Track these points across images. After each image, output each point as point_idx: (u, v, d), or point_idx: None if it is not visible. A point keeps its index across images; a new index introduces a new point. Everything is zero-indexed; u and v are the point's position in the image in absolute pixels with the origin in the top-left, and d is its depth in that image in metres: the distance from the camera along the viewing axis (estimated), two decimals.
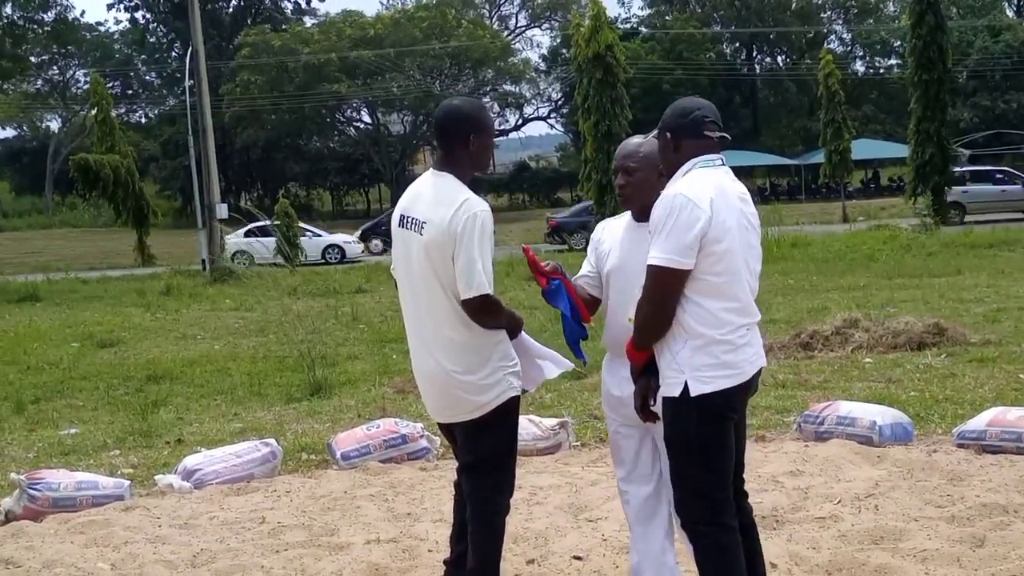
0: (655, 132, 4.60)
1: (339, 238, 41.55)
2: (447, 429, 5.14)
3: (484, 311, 4.72)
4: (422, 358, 4.95)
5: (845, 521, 6.16)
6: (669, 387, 4.31)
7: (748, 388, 4.38)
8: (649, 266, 4.23)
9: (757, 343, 4.41)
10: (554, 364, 5.16)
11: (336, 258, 39.38)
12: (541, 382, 5.25)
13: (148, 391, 12.41)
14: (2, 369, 14.77)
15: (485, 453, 4.89)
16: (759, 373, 4.46)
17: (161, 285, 27.35)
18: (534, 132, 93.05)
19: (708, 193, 4.21)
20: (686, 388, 4.24)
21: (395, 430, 8.34)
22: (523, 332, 5.07)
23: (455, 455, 5.17)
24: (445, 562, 5.26)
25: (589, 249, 5.09)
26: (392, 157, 72.50)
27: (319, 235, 41.66)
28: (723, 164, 4.42)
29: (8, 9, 40.92)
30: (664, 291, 4.23)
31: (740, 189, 4.42)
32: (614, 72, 32.34)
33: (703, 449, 4.30)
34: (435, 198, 4.79)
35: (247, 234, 37.05)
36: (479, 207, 4.70)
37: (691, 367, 4.24)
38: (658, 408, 4.45)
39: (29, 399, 12.24)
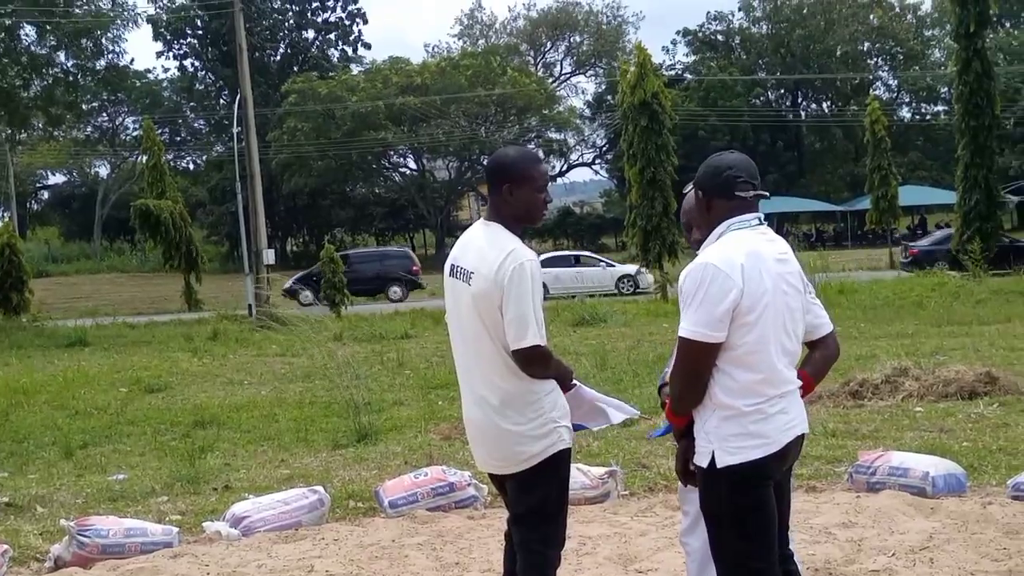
0: (690, 187, 4.56)
1: (631, 268, 40.79)
2: (497, 479, 5.10)
3: (534, 361, 4.68)
4: (471, 408, 4.92)
5: (900, 574, 6.07)
6: (700, 456, 4.25)
7: (784, 456, 4.25)
8: (679, 338, 4.17)
9: (795, 410, 4.29)
10: (618, 411, 5.13)
11: (629, 289, 39.07)
12: (605, 425, 5.21)
13: (195, 436, 12.44)
14: (51, 414, 14.85)
15: (535, 505, 4.83)
16: (800, 440, 4.34)
17: (208, 330, 27.50)
18: (578, 178, 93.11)
19: (739, 261, 4.12)
20: (714, 458, 4.18)
21: (443, 478, 8.31)
22: (578, 381, 5.02)
23: (505, 505, 5.13)
24: None
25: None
26: (437, 203, 72.80)
27: (612, 265, 41.30)
28: (760, 223, 4.32)
29: (62, 56, 41.43)
30: (695, 364, 4.16)
31: (779, 249, 4.31)
32: (659, 119, 32.33)
33: (737, 519, 4.20)
34: (482, 248, 4.78)
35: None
36: (526, 256, 4.67)
37: (718, 437, 4.17)
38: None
39: (77, 444, 12.30)
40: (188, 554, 7.33)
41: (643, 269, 38.02)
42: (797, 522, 6.69)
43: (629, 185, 33.96)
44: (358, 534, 7.69)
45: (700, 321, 4.09)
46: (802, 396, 4.35)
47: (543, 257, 39.13)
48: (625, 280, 39.70)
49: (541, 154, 72.94)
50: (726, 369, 4.15)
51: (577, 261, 42.34)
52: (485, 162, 5.52)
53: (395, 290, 41.73)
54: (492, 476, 5.15)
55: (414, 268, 43.18)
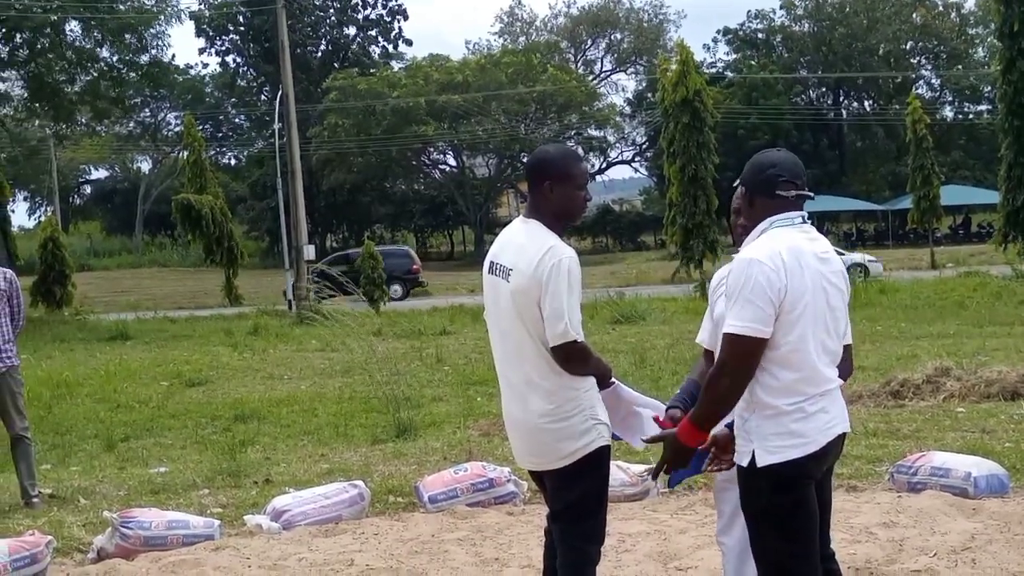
0: (738, 182, 4.54)
1: (861, 257, 40.47)
2: (537, 476, 5.10)
3: (573, 358, 4.68)
4: (511, 404, 4.93)
5: (941, 575, 6.04)
6: (740, 456, 4.24)
7: (824, 456, 4.22)
8: (726, 335, 4.13)
9: (836, 409, 4.27)
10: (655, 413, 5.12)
11: (861, 277, 38.87)
12: (641, 444, 5.11)
13: (236, 430, 12.53)
14: (93, 407, 14.99)
15: (575, 501, 4.83)
16: (840, 439, 4.32)
17: (248, 325, 27.67)
18: (618, 176, 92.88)
19: (782, 257, 4.12)
20: (753, 458, 4.17)
21: (482, 474, 8.33)
22: (616, 380, 5.02)
23: (545, 501, 5.14)
24: None
25: (710, 299, 5.03)
26: (476, 200, 72.84)
27: (842, 253, 40.94)
28: (804, 222, 4.32)
29: (105, 52, 41.70)
30: (744, 361, 4.12)
31: (820, 247, 4.30)
32: (701, 117, 32.26)
33: (778, 519, 4.18)
34: (521, 245, 4.79)
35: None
36: (565, 253, 4.67)
37: (759, 436, 4.15)
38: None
39: (119, 437, 12.42)
40: (229, 547, 7.39)
41: (873, 257, 38.00)
42: (838, 521, 6.67)
43: (669, 183, 33.90)
44: (398, 529, 7.72)
45: (748, 316, 4.07)
46: None
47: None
48: (856, 269, 39.17)
49: (581, 151, 72.99)
50: (768, 368, 4.14)
51: None
52: (526, 159, 5.52)
53: (395, 288, 41.25)
54: (532, 472, 5.14)
55: (414, 267, 43.04)
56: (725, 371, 4.13)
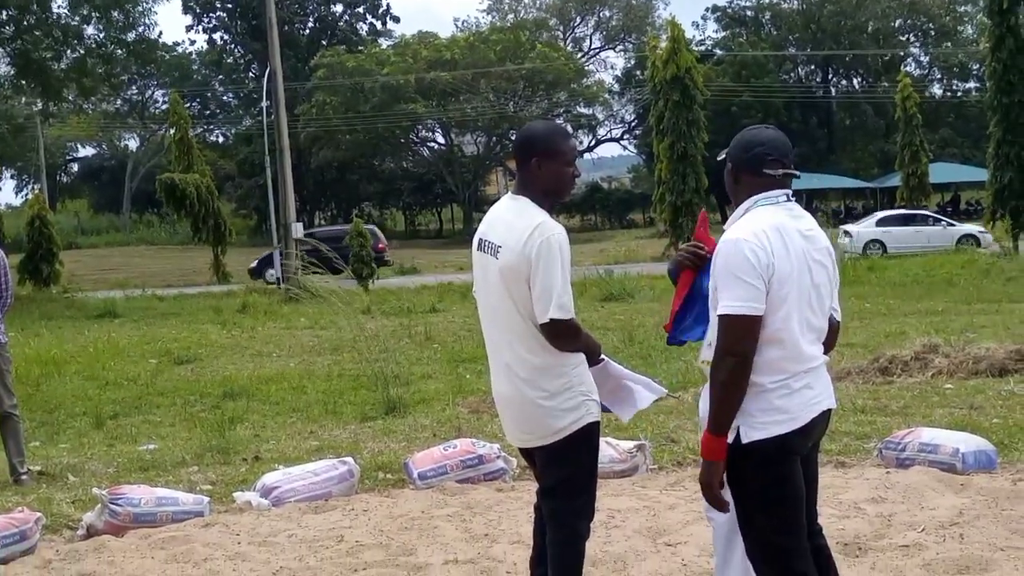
0: (722, 155, 4.51)
1: (972, 228, 40.42)
2: (527, 452, 5.10)
3: (562, 335, 4.66)
4: (501, 381, 4.92)
5: (930, 550, 6.06)
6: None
7: (809, 432, 4.23)
8: (722, 317, 4.10)
9: (821, 385, 4.28)
10: (646, 390, 5.12)
11: (973, 247, 37.89)
12: (634, 412, 5.18)
13: (225, 408, 12.52)
14: (81, 384, 14.97)
15: (564, 477, 4.84)
16: (826, 415, 4.32)
17: (237, 303, 27.64)
18: (607, 153, 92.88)
19: (767, 235, 4.11)
20: (739, 434, 4.15)
21: (472, 450, 8.34)
22: (606, 357, 5.02)
23: (535, 478, 5.15)
24: None
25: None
26: (465, 178, 72.79)
27: (952, 224, 40.67)
28: (788, 199, 4.30)
29: (91, 29, 41.48)
30: (743, 342, 4.08)
31: (805, 225, 4.28)
32: (691, 94, 32.33)
33: (763, 495, 4.19)
34: (510, 222, 4.78)
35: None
36: (554, 230, 4.66)
37: (744, 413, 4.13)
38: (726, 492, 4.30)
39: (108, 414, 12.40)
40: (219, 523, 7.39)
41: (984, 229, 38.11)
42: (826, 497, 6.69)
43: (658, 160, 33.96)
44: (387, 505, 7.73)
45: (741, 296, 4.06)
46: None
47: (879, 215, 40.47)
48: (967, 239, 38.91)
49: (570, 129, 72.83)
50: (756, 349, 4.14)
51: (912, 220, 41.14)
52: (514, 136, 5.49)
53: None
54: (521, 449, 5.14)
55: (380, 246, 42.60)
56: (728, 351, 4.10)
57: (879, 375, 11.86)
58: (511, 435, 5.06)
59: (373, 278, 31.78)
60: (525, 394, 4.77)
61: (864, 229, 39.61)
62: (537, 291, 4.62)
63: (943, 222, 39.97)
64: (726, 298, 4.09)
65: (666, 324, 4.72)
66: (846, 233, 38.96)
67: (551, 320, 4.60)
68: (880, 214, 41.08)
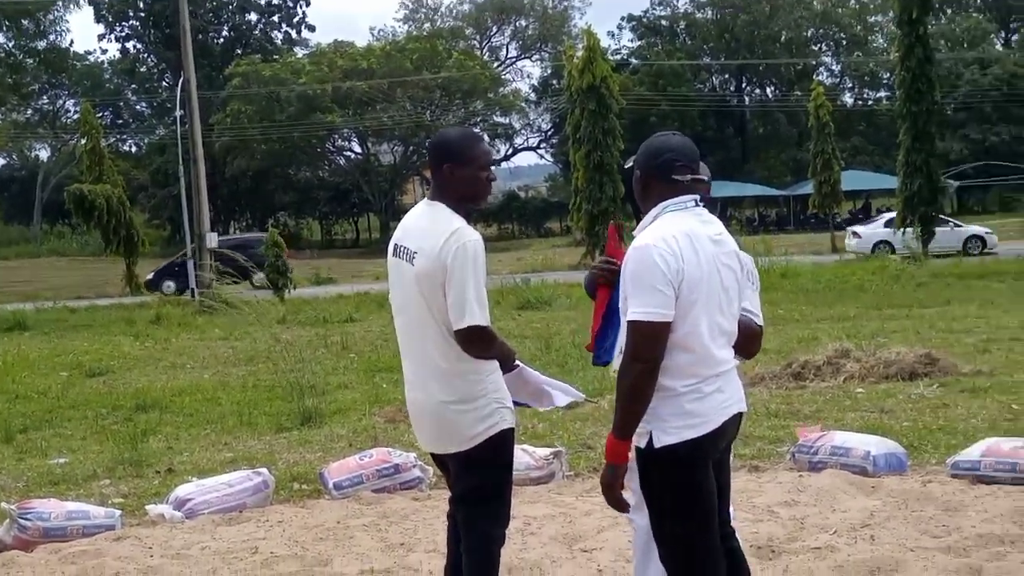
0: (629, 163, 4.52)
1: (979, 229, 40.53)
2: (439, 460, 5.09)
3: (477, 342, 4.67)
4: (414, 388, 4.91)
5: (841, 552, 6.13)
6: (637, 437, 4.20)
7: (720, 436, 4.25)
8: (631, 323, 4.10)
9: (731, 389, 4.30)
10: (564, 393, 5.15)
11: (977, 249, 38.30)
12: (550, 407, 5.24)
13: (137, 420, 12.34)
14: None
15: (478, 484, 4.84)
16: (737, 418, 4.34)
17: (150, 314, 27.28)
18: (523, 162, 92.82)
19: (677, 242, 4.12)
20: (651, 439, 4.17)
21: (388, 459, 8.30)
22: (522, 363, 5.03)
23: (447, 486, 5.14)
24: None
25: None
26: (382, 187, 72.57)
27: (959, 226, 40.60)
28: (697, 205, 4.31)
29: (1, 38, 40.88)
30: (651, 349, 4.08)
31: (714, 230, 4.30)
32: (607, 103, 32.47)
33: (676, 499, 4.21)
34: (426, 228, 4.76)
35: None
36: (470, 236, 4.65)
37: (656, 418, 4.14)
38: (627, 494, 4.33)
39: (18, 428, 12.16)
40: (131, 537, 7.29)
41: (990, 230, 38.82)
42: (740, 501, 6.75)
43: (575, 169, 34.07)
44: (303, 516, 7.67)
45: (651, 302, 4.06)
46: None
47: (886, 217, 40.54)
48: (974, 240, 39.21)
49: (487, 138, 72.94)
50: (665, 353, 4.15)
51: None
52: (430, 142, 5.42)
53: (261, 276, 40.55)
54: (435, 456, 5.14)
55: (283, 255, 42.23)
56: (635, 357, 4.10)
57: (792, 380, 12.00)
58: (424, 442, 5.05)
59: (289, 288, 31.54)
60: (438, 401, 4.77)
61: (872, 230, 40.33)
62: (452, 298, 4.61)
63: (951, 223, 40.45)
64: (635, 304, 4.10)
65: (588, 344, 4.73)
66: (855, 234, 39.75)
67: (467, 327, 4.60)
68: (887, 215, 41.72)
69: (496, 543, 4.90)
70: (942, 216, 41.37)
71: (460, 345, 4.67)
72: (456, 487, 4.97)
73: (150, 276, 41.22)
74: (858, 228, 41.35)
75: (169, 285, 40.23)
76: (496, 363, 4.82)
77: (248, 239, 41.32)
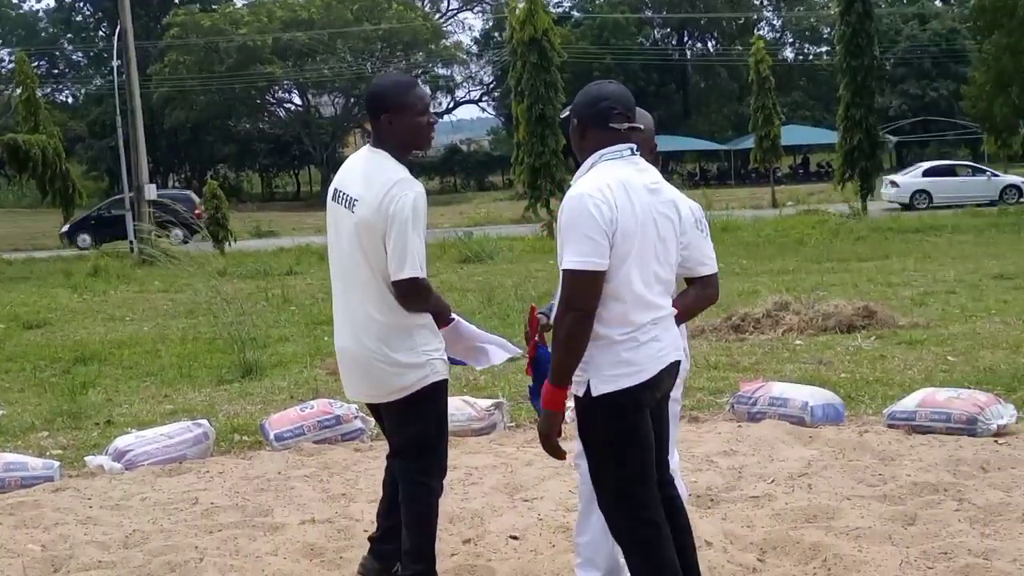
0: (566, 112, 4.50)
1: (1015, 179, 40.32)
2: (374, 409, 5.10)
3: (413, 294, 4.65)
4: (344, 336, 4.88)
5: (779, 500, 6.21)
6: (576, 386, 4.21)
7: (657, 384, 4.26)
8: (565, 271, 4.10)
9: (668, 337, 4.31)
10: (501, 349, 5.13)
11: (1013, 199, 38.17)
12: (486, 365, 5.22)
13: (76, 373, 12.24)
14: None
15: (413, 436, 4.84)
16: (674, 367, 4.35)
17: (88, 266, 27.00)
18: (466, 116, 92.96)
19: (612, 191, 4.11)
20: (588, 387, 4.18)
21: (329, 411, 8.29)
22: (459, 318, 5.01)
23: (383, 432, 5.15)
24: (370, 538, 5.23)
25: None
26: (323, 139, 72.14)
27: (996, 175, 40.52)
28: (633, 153, 4.31)
29: None
30: (585, 299, 4.09)
31: (650, 179, 4.30)
32: (548, 56, 32.31)
33: (613, 447, 4.22)
34: (368, 176, 4.70)
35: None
36: (413, 188, 4.61)
37: (593, 366, 4.16)
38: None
39: None
40: (70, 488, 7.24)
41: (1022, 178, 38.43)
42: (680, 451, 6.79)
43: (516, 122, 33.94)
44: (243, 467, 7.66)
45: (584, 251, 4.06)
46: None
47: (925, 166, 41.07)
48: (1010, 190, 39.18)
49: (428, 90, 72.43)
50: (601, 303, 4.17)
51: (957, 171, 41.72)
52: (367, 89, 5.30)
53: (176, 233, 40.01)
54: (369, 405, 5.14)
55: (196, 212, 41.59)
56: (569, 306, 4.10)
57: (732, 332, 12.10)
58: (352, 391, 5.01)
59: (229, 241, 31.31)
60: (370, 350, 4.74)
61: (910, 180, 40.31)
62: (391, 248, 4.58)
63: (987, 172, 40.81)
64: (569, 253, 4.09)
65: (526, 369, 4.72)
66: (892, 183, 39.79)
67: (405, 278, 4.58)
68: (925, 164, 42.21)
69: (433, 494, 4.90)
70: (977, 166, 41.83)
71: (396, 297, 4.65)
72: (391, 438, 4.98)
73: (65, 229, 40.70)
74: (896, 177, 41.37)
75: (84, 238, 39.69)
76: (429, 316, 4.80)
77: (164, 195, 40.57)
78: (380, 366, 4.73)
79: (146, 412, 9.81)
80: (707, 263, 4.61)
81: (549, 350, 4.40)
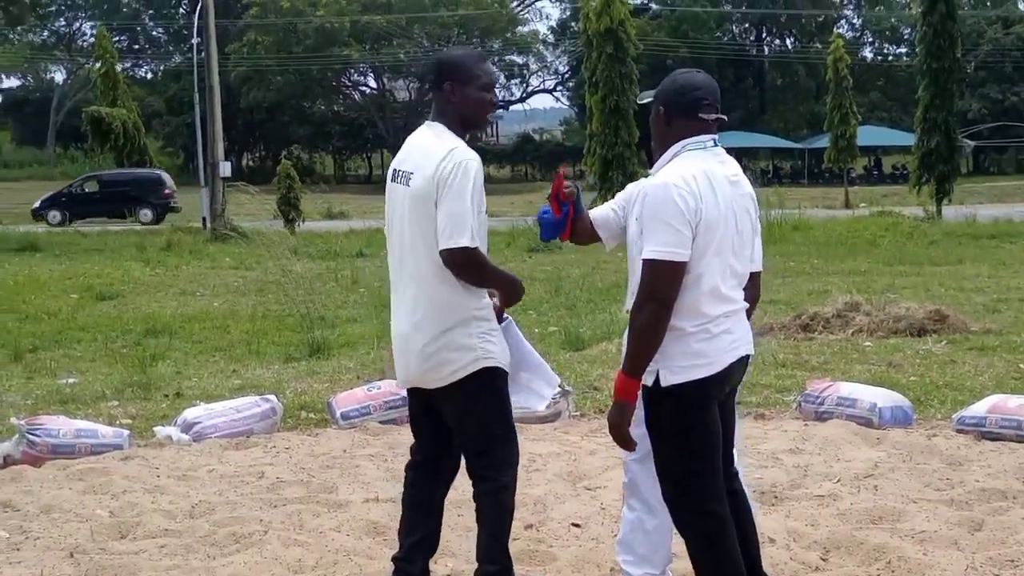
0: (647, 98, 4.45)
1: None
2: (425, 409, 4.80)
3: (467, 264, 4.44)
4: (400, 320, 4.71)
5: (844, 500, 6.16)
6: (645, 376, 4.18)
7: (727, 377, 4.25)
8: (646, 261, 4.08)
9: (740, 330, 4.29)
10: (541, 385, 4.94)
11: None
12: (522, 405, 4.95)
13: (147, 345, 12.39)
14: (0, 317, 14.74)
15: (475, 430, 4.63)
16: (744, 361, 4.33)
17: (162, 241, 27.32)
18: (539, 105, 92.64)
19: (696, 180, 4.11)
20: (658, 377, 4.17)
21: (396, 391, 8.30)
22: (509, 317, 4.83)
23: (415, 435, 4.92)
24: (394, 559, 4.89)
25: (619, 197, 4.74)
26: (396, 123, 72.25)
27: None
28: (715, 145, 4.29)
29: None
30: (666, 289, 4.08)
31: (731, 171, 4.28)
32: (624, 47, 32.24)
33: (682, 438, 4.22)
34: (424, 146, 4.59)
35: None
36: (468, 156, 4.46)
37: (664, 356, 4.14)
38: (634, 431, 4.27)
39: (27, 347, 12.23)
40: (138, 456, 7.35)
41: None
42: (745, 447, 6.76)
43: (590, 113, 33.89)
44: (309, 443, 7.73)
45: (668, 241, 4.05)
46: None
47: None
48: None
49: (502, 77, 72.58)
50: None
51: None
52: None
53: (145, 212, 39.29)
54: (423, 406, 4.82)
55: (166, 192, 41.16)
56: (649, 296, 4.09)
57: (801, 331, 11.99)
58: (404, 375, 4.77)
59: (299, 221, 31.52)
60: (424, 330, 4.56)
61: None
62: (443, 215, 4.42)
63: None
64: (652, 243, 4.08)
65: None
66: None
67: (456, 248, 4.40)
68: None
69: (503, 490, 4.69)
70: None
71: (450, 268, 4.46)
72: (457, 439, 4.74)
73: (36, 205, 41.02)
74: None
75: (55, 215, 39.87)
76: (488, 303, 4.62)
77: (136, 175, 40.53)
78: (434, 346, 4.54)
79: (214, 386, 9.92)
80: (756, 260, 4.54)
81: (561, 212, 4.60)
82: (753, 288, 4.52)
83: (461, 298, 4.53)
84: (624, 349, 4.29)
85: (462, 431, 4.69)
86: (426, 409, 4.80)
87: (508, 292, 4.71)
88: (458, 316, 4.54)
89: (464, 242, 4.39)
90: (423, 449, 4.89)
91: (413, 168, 4.57)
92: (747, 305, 4.37)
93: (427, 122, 4.73)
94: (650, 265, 4.09)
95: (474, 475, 4.72)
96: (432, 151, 4.52)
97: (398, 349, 4.76)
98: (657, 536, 4.78)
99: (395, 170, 4.72)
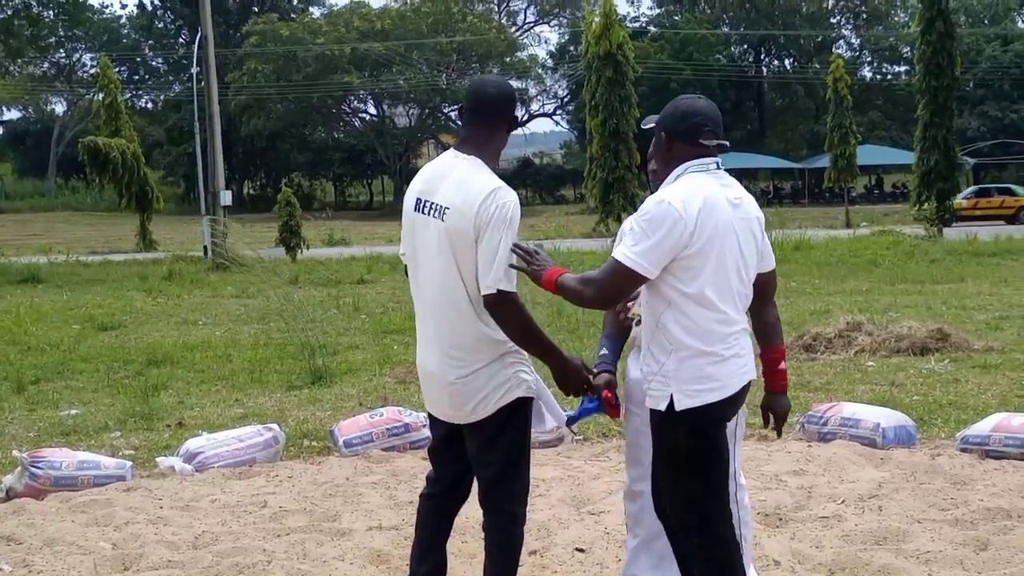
0: (651, 123, 4.49)
1: None
2: (446, 441, 4.74)
3: (506, 307, 4.35)
4: (431, 353, 4.58)
5: (848, 521, 6.15)
6: (656, 400, 4.23)
7: (735, 401, 4.29)
8: (615, 259, 4.14)
9: (746, 354, 4.31)
10: (552, 417, 4.83)
11: None
12: (538, 428, 4.85)
13: (149, 375, 12.38)
14: (2, 349, 14.72)
15: (500, 460, 4.54)
16: (748, 386, 4.35)
17: (163, 270, 27.28)
18: (539, 129, 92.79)
19: (695, 204, 4.12)
20: (672, 402, 4.19)
21: (398, 419, 8.33)
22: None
23: (434, 465, 4.86)
24: None
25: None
26: (396, 150, 72.54)
27: None
28: (718, 168, 4.32)
29: None
30: (617, 289, 4.20)
31: (734, 194, 4.30)
32: (623, 71, 32.37)
33: (694, 462, 4.24)
34: (461, 182, 4.40)
35: None
36: (510, 197, 4.35)
37: (677, 380, 4.18)
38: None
39: (29, 379, 12.21)
40: (141, 488, 7.33)
41: None
42: (749, 470, 6.76)
43: (590, 136, 34.01)
44: (312, 472, 7.71)
45: (641, 253, 4.11)
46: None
47: None
48: None
49: None
50: (682, 309, 4.18)
51: None
52: (482, 90, 4.83)
53: None
54: (439, 431, 4.77)
55: None
56: (599, 286, 4.20)
57: (803, 352, 12.00)
58: (436, 409, 4.69)
59: (301, 248, 31.54)
60: (457, 367, 4.47)
61: None
62: (485, 259, 4.32)
63: None
64: (628, 245, 4.16)
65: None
66: None
67: (498, 291, 4.32)
68: None
69: (518, 522, 4.63)
70: None
71: (490, 311, 4.38)
72: (477, 469, 4.66)
73: None
74: None
75: None
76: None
77: None
78: (470, 384, 4.46)
79: (217, 415, 9.91)
80: (767, 258, 4.54)
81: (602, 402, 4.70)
82: (769, 283, 4.58)
83: (495, 332, 4.44)
84: (630, 366, 4.53)
85: (484, 459, 4.59)
86: (447, 443, 4.72)
87: (557, 370, 4.59)
88: (493, 352, 4.46)
89: (501, 285, 4.33)
90: (441, 480, 4.83)
91: (447, 203, 4.42)
92: (747, 326, 4.38)
93: (455, 152, 4.57)
94: (615, 264, 4.17)
95: (488, 506, 4.63)
96: (473, 188, 4.38)
97: (425, 381, 4.70)
98: (663, 564, 4.78)
99: (423, 200, 4.53)
